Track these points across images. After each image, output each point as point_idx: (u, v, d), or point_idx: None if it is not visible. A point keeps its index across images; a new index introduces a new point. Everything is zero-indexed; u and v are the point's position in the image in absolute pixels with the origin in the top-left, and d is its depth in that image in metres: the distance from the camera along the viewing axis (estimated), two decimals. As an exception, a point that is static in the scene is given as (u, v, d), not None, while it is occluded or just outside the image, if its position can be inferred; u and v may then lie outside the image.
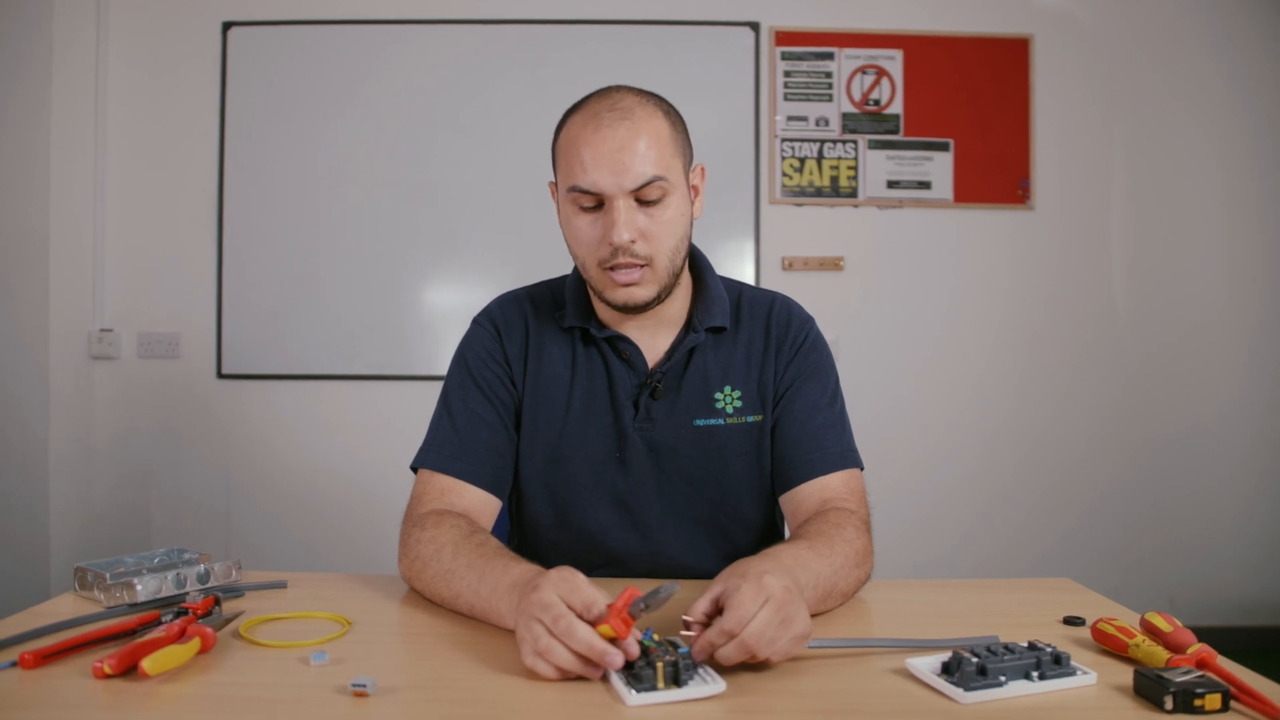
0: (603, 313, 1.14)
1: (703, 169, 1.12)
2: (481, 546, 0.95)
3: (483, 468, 1.10)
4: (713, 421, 1.12)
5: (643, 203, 1.02)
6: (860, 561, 0.99)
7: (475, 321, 1.20)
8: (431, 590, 0.97)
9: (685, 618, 0.78)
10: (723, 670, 0.74)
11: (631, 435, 1.12)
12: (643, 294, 1.05)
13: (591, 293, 1.13)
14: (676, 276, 1.08)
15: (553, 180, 1.10)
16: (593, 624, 0.74)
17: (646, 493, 1.14)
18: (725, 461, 1.13)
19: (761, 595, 0.75)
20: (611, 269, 1.03)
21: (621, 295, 1.05)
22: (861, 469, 1.14)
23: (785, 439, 1.13)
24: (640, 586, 0.75)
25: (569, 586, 0.76)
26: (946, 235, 2.84)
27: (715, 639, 0.74)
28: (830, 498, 1.08)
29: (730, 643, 0.74)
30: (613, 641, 0.73)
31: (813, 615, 0.87)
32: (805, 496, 1.09)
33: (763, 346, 1.15)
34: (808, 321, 1.19)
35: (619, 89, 1.06)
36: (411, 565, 1.01)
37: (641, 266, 1.03)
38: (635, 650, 0.73)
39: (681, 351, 1.12)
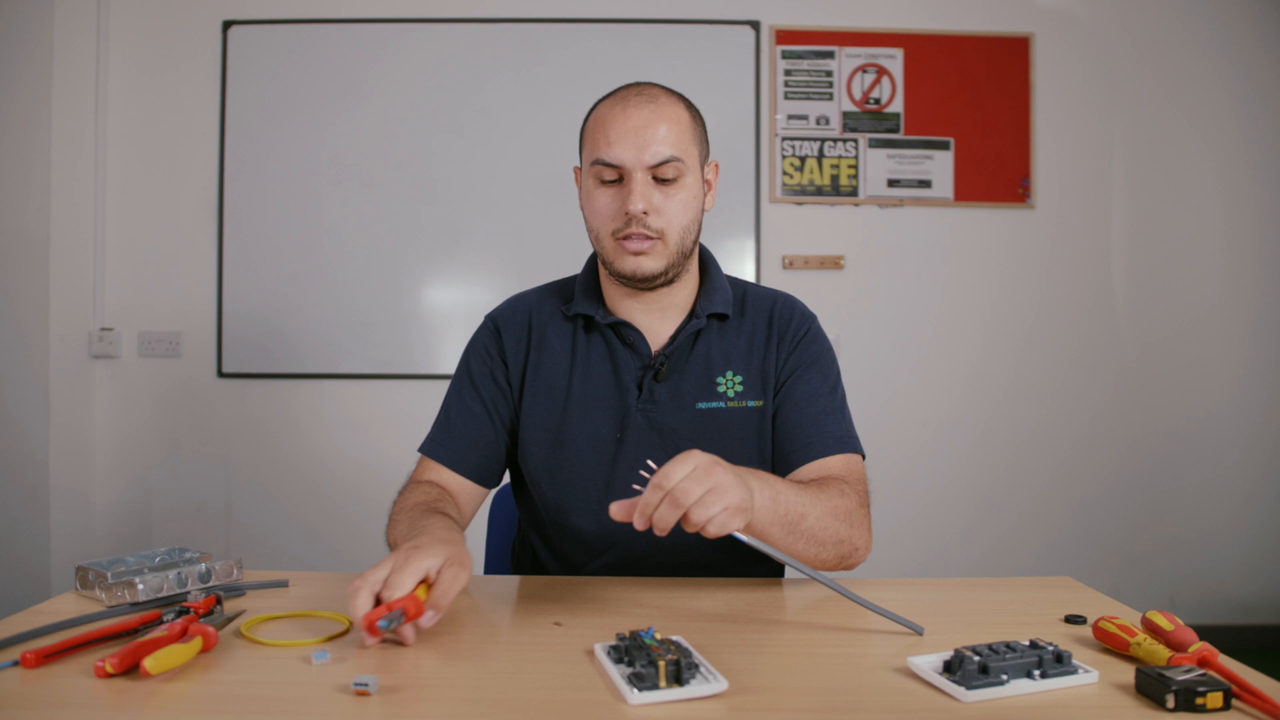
0: (610, 299, 1.18)
1: (717, 166, 1.18)
2: (426, 511, 1.04)
3: (466, 456, 1.18)
4: (714, 405, 1.15)
5: (659, 181, 1.08)
6: (846, 519, 1.02)
7: (482, 321, 1.25)
8: (388, 535, 1.08)
9: (642, 472, 0.86)
10: (724, 669, 0.74)
11: (635, 415, 1.14)
12: (651, 265, 1.10)
13: (602, 276, 1.18)
14: (686, 257, 1.13)
15: (577, 165, 1.17)
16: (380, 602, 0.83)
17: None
18: (726, 445, 1.14)
19: (689, 462, 0.83)
20: (624, 239, 1.08)
21: (631, 264, 1.09)
22: (863, 456, 1.15)
23: (786, 424, 1.16)
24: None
25: (394, 567, 0.84)
26: (947, 234, 2.84)
27: (649, 497, 0.82)
28: (829, 476, 1.10)
29: (664, 501, 0.81)
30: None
31: (781, 544, 0.95)
32: (805, 476, 1.11)
33: (765, 336, 1.18)
34: (810, 317, 1.23)
35: (649, 83, 1.13)
36: (389, 523, 1.10)
37: (653, 240, 1.08)
38: (371, 637, 0.81)
39: (685, 336, 1.16)
